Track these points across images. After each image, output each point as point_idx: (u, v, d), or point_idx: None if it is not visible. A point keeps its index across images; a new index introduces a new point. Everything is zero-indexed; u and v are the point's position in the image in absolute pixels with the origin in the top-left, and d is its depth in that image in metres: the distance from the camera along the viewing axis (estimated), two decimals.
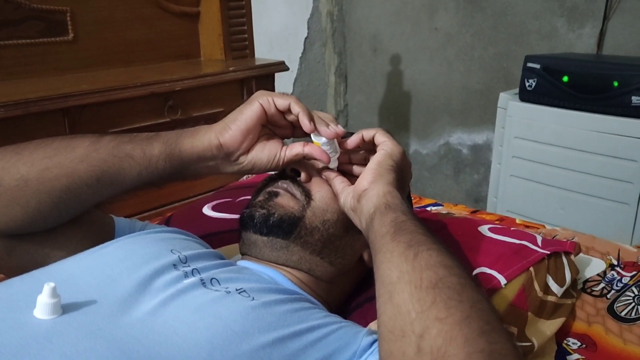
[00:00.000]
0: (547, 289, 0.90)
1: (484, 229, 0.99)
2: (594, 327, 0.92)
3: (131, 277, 0.63)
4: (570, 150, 1.85)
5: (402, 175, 0.72)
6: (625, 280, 1.02)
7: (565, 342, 0.89)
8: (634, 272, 1.04)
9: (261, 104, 0.72)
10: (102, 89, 1.26)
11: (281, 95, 0.73)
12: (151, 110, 1.37)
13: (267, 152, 0.74)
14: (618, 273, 1.05)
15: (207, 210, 1.11)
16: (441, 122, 2.71)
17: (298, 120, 0.72)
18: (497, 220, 1.27)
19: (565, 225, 1.93)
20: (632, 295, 0.98)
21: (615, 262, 1.08)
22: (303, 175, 0.77)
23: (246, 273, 0.72)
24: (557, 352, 0.87)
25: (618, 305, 0.96)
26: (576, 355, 0.86)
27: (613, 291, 1.00)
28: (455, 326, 0.48)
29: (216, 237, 1.02)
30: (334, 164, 0.76)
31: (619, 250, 1.12)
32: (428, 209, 1.33)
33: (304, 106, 0.72)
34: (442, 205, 1.36)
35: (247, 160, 0.75)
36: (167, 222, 1.09)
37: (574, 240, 1.16)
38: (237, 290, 0.65)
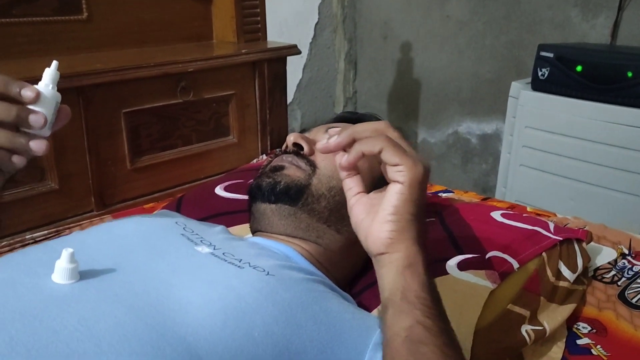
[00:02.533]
0: (559, 275, 0.90)
1: (497, 215, 1.00)
2: (604, 312, 0.92)
3: (144, 247, 0.65)
4: (582, 141, 1.84)
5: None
6: (636, 268, 1.02)
7: (575, 326, 0.89)
8: None
9: None
10: (116, 68, 1.26)
11: None
12: (164, 91, 1.37)
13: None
14: (629, 262, 1.05)
15: (219, 191, 1.11)
16: (450, 111, 2.70)
17: None
18: (508, 207, 1.27)
19: (574, 215, 1.93)
20: None
21: (627, 251, 1.08)
22: (306, 148, 0.78)
23: (258, 248, 0.72)
24: (567, 336, 0.87)
25: (629, 292, 0.96)
26: (586, 340, 0.86)
27: (624, 279, 1.00)
28: None
29: (228, 217, 1.02)
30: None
31: (630, 239, 1.11)
32: (439, 195, 1.33)
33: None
34: (453, 192, 1.36)
35: None
36: (179, 203, 1.09)
37: (585, 228, 1.16)
38: (250, 264, 0.65)
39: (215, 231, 0.77)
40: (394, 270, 0.55)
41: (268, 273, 0.64)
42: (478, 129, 2.62)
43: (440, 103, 2.73)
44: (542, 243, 0.91)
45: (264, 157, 1.59)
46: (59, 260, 0.55)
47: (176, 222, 0.73)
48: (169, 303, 0.55)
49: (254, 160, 1.57)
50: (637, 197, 1.76)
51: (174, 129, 1.42)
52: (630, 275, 1.00)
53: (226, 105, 1.52)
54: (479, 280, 0.81)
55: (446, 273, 0.83)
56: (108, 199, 1.32)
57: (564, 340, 0.86)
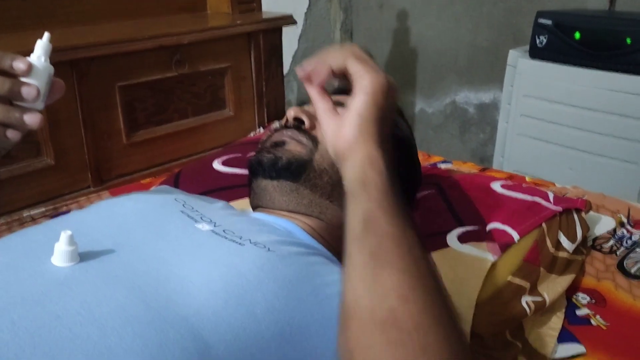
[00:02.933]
0: (558, 245, 0.90)
1: (496, 186, 0.99)
2: (603, 282, 0.92)
3: (143, 225, 0.64)
4: (580, 109, 1.83)
5: (386, 115, 0.59)
6: (635, 237, 1.03)
7: (574, 297, 0.90)
8: None
9: None
10: (111, 41, 1.24)
11: None
12: (159, 64, 1.35)
13: None
14: (628, 231, 1.05)
15: (217, 165, 1.10)
16: (448, 81, 2.67)
17: None
18: (506, 177, 1.27)
19: (572, 184, 1.93)
20: None
21: (625, 220, 1.08)
22: (307, 123, 0.77)
23: (259, 224, 0.72)
24: (567, 307, 0.88)
25: (627, 261, 0.96)
26: (585, 310, 0.87)
27: (623, 248, 1.01)
28: None
29: (227, 192, 1.02)
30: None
31: (629, 208, 1.12)
32: (437, 166, 1.32)
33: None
34: (451, 163, 1.36)
35: None
36: (177, 178, 1.09)
37: (584, 198, 1.16)
38: (251, 241, 0.65)
39: (216, 207, 0.77)
40: (356, 165, 0.55)
41: (269, 249, 0.64)
42: (475, 99, 2.60)
43: (437, 72, 2.70)
44: (542, 214, 0.91)
45: (261, 129, 1.58)
46: (57, 242, 0.54)
47: (175, 199, 0.72)
48: (171, 283, 0.55)
49: (251, 133, 1.56)
50: (636, 165, 1.76)
51: (170, 103, 1.41)
52: (629, 245, 1.01)
53: (222, 78, 1.50)
54: (480, 253, 0.81)
55: (447, 246, 0.83)
56: (105, 174, 1.31)
57: (564, 310, 0.86)
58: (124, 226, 0.63)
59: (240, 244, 0.64)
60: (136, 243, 0.61)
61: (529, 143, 1.99)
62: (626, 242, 1.02)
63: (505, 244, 0.83)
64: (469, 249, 0.82)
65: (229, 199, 1.00)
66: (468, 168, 1.32)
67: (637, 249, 0.99)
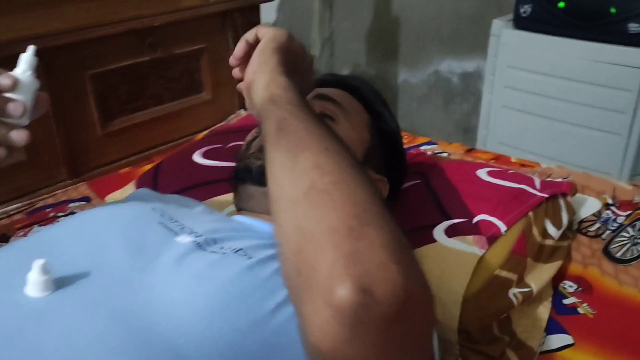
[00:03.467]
0: (545, 233, 0.89)
1: (482, 173, 0.97)
2: (589, 269, 0.92)
3: (120, 242, 0.61)
4: (564, 80, 1.81)
5: (291, 57, 0.66)
6: (620, 219, 1.02)
7: (561, 285, 0.89)
8: (629, 212, 1.04)
9: None
10: (78, 28, 1.18)
11: None
12: (130, 49, 1.30)
13: None
14: (613, 212, 1.04)
15: (197, 158, 1.07)
16: (431, 50, 2.63)
17: None
18: (492, 159, 1.25)
19: (556, 156, 1.93)
20: (628, 235, 0.98)
21: (611, 201, 1.07)
22: None
23: (243, 230, 0.69)
24: (554, 295, 0.87)
25: (613, 246, 0.96)
26: (572, 299, 0.86)
27: (608, 231, 1.00)
28: (324, 235, 0.46)
29: (209, 187, 0.99)
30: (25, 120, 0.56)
31: (614, 188, 1.10)
32: (422, 148, 1.30)
33: None
34: (437, 144, 1.33)
35: None
36: (156, 173, 1.05)
37: (568, 179, 1.15)
38: (233, 250, 0.62)
39: (196, 212, 0.74)
40: (261, 88, 0.60)
41: (250, 256, 0.61)
42: (459, 68, 2.57)
43: (420, 42, 2.66)
44: (528, 202, 0.90)
45: (242, 112, 1.54)
46: (31, 272, 0.51)
47: (152, 209, 0.69)
48: (152, 306, 0.53)
49: (231, 117, 1.52)
50: (619, 137, 1.76)
51: (144, 89, 1.36)
52: (614, 228, 1.00)
53: (197, 60, 1.45)
54: (467, 247, 0.80)
55: (434, 240, 0.81)
56: (81, 166, 1.28)
57: (550, 300, 0.85)
58: (100, 245, 0.61)
59: (222, 254, 0.61)
60: (114, 263, 0.58)
61: (513, 115, 1.97)
62: (612, 225, 1.01)
63: (492, 237, 0.82)
64: (455, 243, 0.80)
65: (212, 194, 0.98)
66: (454, 149, 1.30)
67: (623, 233, 0.98)
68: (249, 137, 0.80)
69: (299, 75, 0.66)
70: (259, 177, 0.72)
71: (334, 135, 0.55)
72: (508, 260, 0.81)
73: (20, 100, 0.54)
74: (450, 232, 0.82)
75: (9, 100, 0.54)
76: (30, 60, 0.56)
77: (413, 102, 2.80)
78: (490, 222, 0.84)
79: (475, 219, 0.85)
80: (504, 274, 0.80)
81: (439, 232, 0.83)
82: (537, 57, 1.85)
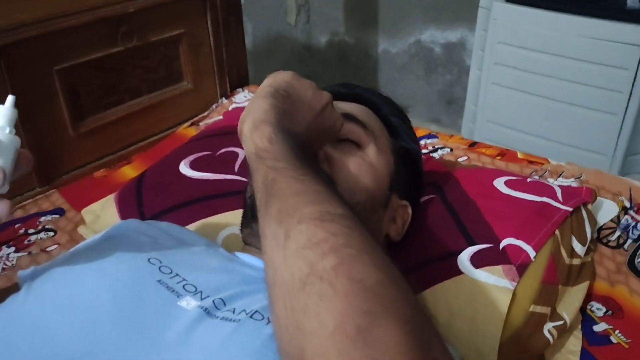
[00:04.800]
0: (572, 253, 0.83)
1: (500, 184, 0.90)
2: (617, 288, 0.87)
3: (116, 319, 0.53)
4: (558, 58, 1.74)
5: (292, 100, 0.58)
6: None
7: (589, 307, 0.84)
8: None
9: None
10: (43, 18, 1.04)
11: None
12: (102, 39, 1.17)
13: None
14: (632, 218, 0.99)
15: (185, 169, 0.96)
16: (412, 18, 2.52)
17: None
18: (497, 155, 1.18)
19: (548, 135, 1.87)
20: None
21: (628, 204, 1.02)
22: (320, 155, 0.66)
23: (253, 280, 0.61)
24: (582, 320, 0.81)
25: (639, 260, 0.90)
26: (603, 325, 0.81)
27: (630, 240, 0.95)
28: (328, 340, 0.37)
29: (201, 206, 0.89)
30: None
31: (630, 189, 1.05)
32: (422, 142, 1.22)
33: None
34: (437, 138, 1.26)
35: None
36: (139, 188, 0.95)
37: (581, 178, 1.09)
38: (248, 313, 0.54)
39: (199, 255, 0.64)
40: (247, 139, 0.53)
41: (269, 320, 0.53)
42: (442, 38, 2.48)
43: (401, 9, 2.54)
44: (553, 218, 0.83)
45: (224, 100, 1.43)
46: None
47: (149, 260, 0.60)
48: None
49: (214, 106, 1.40)
50: (614, 116, 1.71)
51: (119, 82, 1.23)
52: (636, 237, 0.95)
53: (176, 47, 1.32)
54: (498, 280, 0.73)
55: (460, 272, 0.74)
56: (52, 171, 1.16)
57: (580, 327, 0.80)
58: (92, 325, 0.51)
59: (235, 320, 0.53)
60: (110, 348, 0.49)
61: (503, 93, 1.90)
62: (633, 233, 0.96)
63: (522, 265, 0.75)
64: (484, 275, 0.73)
65: (204, 214, 0.88)
66: (456, 143, 1.23)
67: None
68: None
69: (304, 119, 0.58)
70: None
71: (332, 195, 0.46)
72: (540, 292, 0.74)
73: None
74: (477, 261, 0.75)
75: None
76: (8, 114, 0.47)
77: (394, 72, 2.71)
78: (517, 247, 0.78)
79: (502, 244, 0.78)
80: (538, 309, 0.73)
81: (464, 261, 0.76)
82: (529, 32, 1.77)
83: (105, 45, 1.18)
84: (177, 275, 0.58)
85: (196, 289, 0.57)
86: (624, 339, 0.78)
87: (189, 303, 0.55)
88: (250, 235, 0.68)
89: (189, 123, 1.34)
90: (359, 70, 2.81)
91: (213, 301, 0.55)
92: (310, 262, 0.39)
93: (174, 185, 0.93)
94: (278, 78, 0.59)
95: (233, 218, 0.87)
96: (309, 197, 0.45)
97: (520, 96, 1.86)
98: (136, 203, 0.93)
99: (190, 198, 0.90)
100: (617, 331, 0.80)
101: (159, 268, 0.59)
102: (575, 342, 0.77)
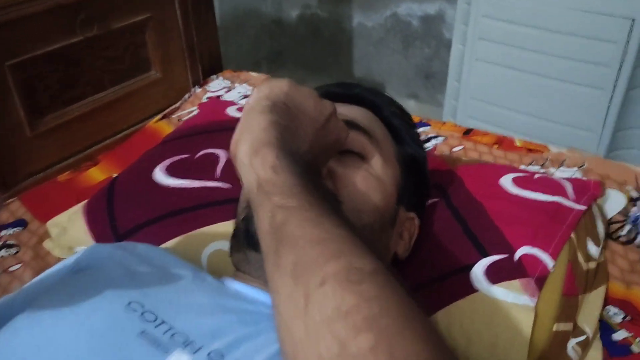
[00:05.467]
0: (588, 257, 0.77)
1: (507, 183, 0.83)
2: (633, 289, 0.81)
3: None
4: (545, 32, 1.67)
5: (293, 114, 0.50)
6: None
7: (605, 312, 0.78)
8: None
9: None
10: None
11: None
12: (59, 29, 1.05)
13: None
14: None
15: (160, 176, 0.87)
16: None
17: None
18: (494, 143, 1.11)
19: (534, 112, 1.81)
20: None
21: (636, 194, 0.96)
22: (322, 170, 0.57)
23: (250, 320, 0.53)
24: (600, 328, 0.76)
25: None
26: (623, 333, 0.75)
27: None
28: None
29: (181, 219, 0.80)
30: None
31: (636, 177, 0.99)
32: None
33: None
34: (429, 125, 1.18)
35: None
36: (110, 199, 0.85)
37: (584, 167, 1.03)
38: None
39: (184, 294, 0.56)
40: (244, 166, 0.45)
41: None
42: (419, 10, 2.39)
43: None
44: (567, 220, 0.77)
45: (197, 89, 1.32)
46: None
47: (129, 305, 0.51)
48: None
49: (186, 96, 1.30)
50: (602, 91, 1.65)
51: (80, 75, 1.12)
52: None
53: (141, 34, 1.21)
54: (517, 298, 0.66)
55: (474, 289, 0.67)
56: (9, 177, 1.05)
57: (599, 336, 0.74)
58: None
59: None
60: None
61: (488, 68, 1.82)
62: None
63: (541, 277, 0.69)
64: (502, 292, 0.67)
65: (184, 228, 0.80)
66: (449, 131, 1.15)
67: None
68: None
69: (307, 135, 0.51)
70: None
71: (356, 241, 0.38)
72: (562, 307, 0.68)
73: None
74: (492, 275, 0.69)
75: None
76: None
77: (369, 47, 2.61)
78: (534, 256, 0.71)
79: (517, 254, 0.71)
80: (562, 326, 0.67)
81: (478, 275, 0.69)
82: (514, 5, 1.70)
83: (62, 35, 1.06)
84: (163, 322, 0.50)
85: (187, 339, 0.49)
86: None
87: (179, 358, 0.47)
88: (243, 262, 0.60)
89: (160, 116, 1.23)
90: (333, 46, 2.71)
91: (209, 354, 0.47)
92: (341, 340, 0.32)
93: (149, 196, 0.84)
94: (274, 88, 0.51)
95: (217, 231, 0.78)
96: (330, 248, 0.36)
97: (505, 72, 1.79)
98: (108, 217, 0.83)
99: (167, 210, 0.81)
100: (638, 339, 0.74)
101: (142, 314, 0.50)
102: (595, 355, 0.71)
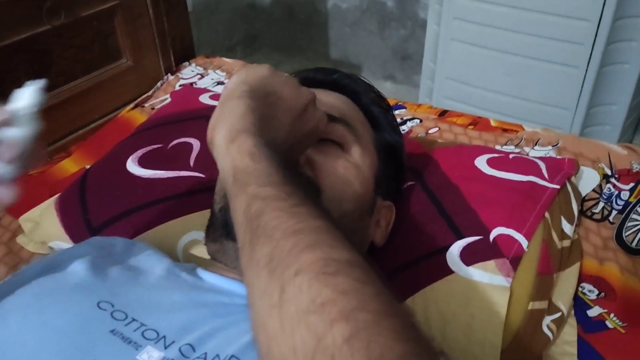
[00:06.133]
0: (562, 235, 0.78)
1: (482, 164, 0.84)
2: (606, 265, 0.82)
3: None
4: (518, 10, 1.68)
5: (271, 101, 0.49)
6: (624, 195, 0.92)
7: (580, 289, 0.79)
8: (632, 184, 0.94)
9: None
10: None
11: None
12: (25, 18, 1.02)
13: None
14: (615, 186, 0.94)
15: (133, 167, 0.85)
16: None
17: None
18: (469, 124, 1.12)
19: (509, 91, 1.82)
20: (639, 219, 0.88)
21: (609, 172, 0.97)
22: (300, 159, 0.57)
23: (223, 312, 0.52)
24: (575, 304, 0.77)
25: (627, 234, 0.86)
26: (597, 309, 0.77)
27: (615, 212, 0.90)
28: None
29: (156, 210, 0.79)
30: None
31: (609, 155, 1.00)
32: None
33: None
34: (405, 108, 1.18)
35: None
36: (83, 192, 0.83)
37: (558, 145, 1.04)
38: (220, 358, 0.46)
39: (156, 292, 0.55)
40: (221, 152, 0.44)
41: None
42: None
43: None
44: (542, 199, 0.78)
45: (170, 77, 1.30)
46: None
47: (99, 305, 0.50)
48: None
49: (159, 84, 1.28)
50: (576, 69, 1.67)
51: (49, 65, 1.09)
52: (620, 207, 0.90)
53: (110, 21, 1.18)
54: (492, 278, 0.67)
55: (450, 271, 0.68)
56: None
57: (573, 313, 0.75)
58: None
59: None
60: None
61: (464, 48, 1.83)
62: (617, 203, 0.91)
63: (516, 257, 0.69)
64: (477, 273, 0.67)
65: (158, 220, 0.79)
66: (425, 113, 1.15)
67: (633, 216, 0.89)
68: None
69: (284, 123, 0.50)
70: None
71: (334, 232, 0.37)
72: (537, 286, 0.69)
73: (12, 141, 0.44)
74: (467, 256, 0.69)
75: None
76: (35, 97, 0.46)
77: (345, 28, 2.59)
78: (509, 236, 0.72)
79: (492, 235, 0.72)
80: (537, 305, 0.68)
81: (453, 257, 0.69)
82: None
83: (28, 24, 1.03)
84: (134, 320, 0.50)
85: (158, 335, 0.48)
86: (620, 323, 0.74)
87: (151, 355, 0.46)
88: (219, 253, 0.59)
89: (132, 105, 1.21)
90: (308, 28, 2.69)
91: (180, 349, 0.47)
92: (317, 333, 0.31)
93: (123, 187, 0.83)
94: (253, 73, 0.50)
95: (192, 221, 0.78)
96: (306, 239, 0.35)
97: (480, 52, 1.79)
98: (81, 210, 0.82)
99: (142, 202, 0.80)
100: (612, 315, 0.75)
101: (112, 314, 0.50)
102: (570, 331, 0.73)
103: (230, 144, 0.43)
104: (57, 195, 0.88)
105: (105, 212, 0.80)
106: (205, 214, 0.71)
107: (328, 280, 0.33)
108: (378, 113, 0.72)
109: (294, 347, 0.31)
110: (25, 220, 0.90)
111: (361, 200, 0.61)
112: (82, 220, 0.81)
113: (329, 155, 0.60)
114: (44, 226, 0.86)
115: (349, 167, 0.61)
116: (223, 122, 0.45)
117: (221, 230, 0.58)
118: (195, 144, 0.88)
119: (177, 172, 0.84)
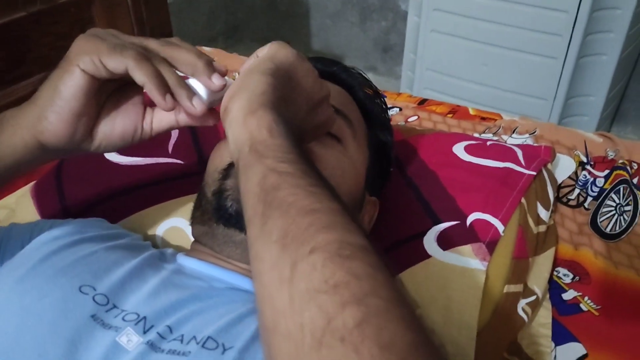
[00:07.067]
0: (538, 220, 0.80)
1: (460, 150, 0.85)
2: (581, 250, 0.83)
3: None
4: (497, 1, 1.70)
5: (292, 85, 0.49)
6: (599, 182, 0.94)
7: (555, 273, 0.81)
8: (606, 171, 0.96)
9: (84, 71, 0.49)
10: None
11: (114, 50, 0.48)
12: (1, 5, 1.01)
13: (121, 127, 0.54)
14: (590, 173, 0.96)
15: (110, 154, 0.85)
16: None
17: None
18: (449, 113, 1.13)
19: (488, 81, 1.84)
20: (613, 205, 0.90)
21: (585, 159, 0.99)
22: None
23: (202, 295, 0.53)
24: (550, 288, 0.78)
25: (602, 219, 0.88)
26: (572, 292, 0.78)
27: (590, 198, 0.92)
28: None
29: (134, 197, 0.79)
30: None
31: (585, 142, 1.02)
32: None
33: (151, 68, 0.47)
34: (385, 97, 1.18)
35: (93, 145, 0.54)
36: (59, 179, 0.83)
37: (535, 133, 1.05)
38: (199, 342, 0.47)
39: (138, 277, 0.55)
40: (237, 123, 0.43)
41: (225, 347, 0.46)
42: None
43: None
44: (518, 185, 0.79)
45: None
46: None
47: (80, 289, 0.50)
48: None
49: None
50: (554, 60, 1.69)
51: (26, 52, 1.08)
52: (595, 194, 0.92)
53: (88, 9, 1.17)
54: (468, 262, 0.68)
55: (427, 256, 0.69)
56: None
57: (548, 297, 0.77)
58: None
59: (184, 353, 0.46)
60: None
61: (443, 40, 1.84)
62: (592, 190, 0.93)
63: (492, 242, 0.71)
64: (454, 257, 0.68)
65: (137, 207, 0.78)
66: (404, 101, 1.16)
67: (608, 202, 0.91)
68: (220, 162, 0.60)
69: (300, 111, 0.49)
70: (237, 221, 0.56)
71: (349, 217, 0.36)
72: (512, 269, 0.70)
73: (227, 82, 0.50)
74: (444, 241, 0.70)
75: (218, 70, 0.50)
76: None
77: (326, 19, 2.59)
78: (485, 221, 0.73)
79: (469, 220, 0.73)
80: (512, 288, 0.69)
81: (430, 242, 0.70)
82: None
83: (4, 11, 1.02)
84: (115, 306, 0.50)
85: (138, 317, 0.49)
86: (594, 306, 0.76)
87: (130, 339, 0.46)
88: (206, 236, 0.59)
89: None
90: (289, 18, 2.68)
91: (157, 332, 0.47)
92: (328, 314, 0.30)
93: (100, 175, 0.82)
94: (280, 53, 0.49)
95: (171, 208, 0.78)
96: (324, 219, 0.35)
97: (460, 42, 1.81)
98: (57, 197, 0.81)
99: (119, 188, 0.80)
100: (586, 298, 0.77)
101: (93, 298, 0.50)
102: (545, 314, 0.74)
103: (249, 116, 0.42)
104: (33, 183, 0.87)
105: (82, 198, 0.79)
106: (183, 201, 0.71)
107: (343, 262, 0.32)
108: (373, 110, 0.72)
109: (302, 325, 0.31)
110: (0, 207, 0.89)
111: (354, 195, 0.62)
112: (59, 207, 0.80)
113: (327, 148, 0.60)
114: (19, 214, 0.85)
115: (346, 162, 0.61)
116: (244, 93, 0.44)
117: (212, 213, 0.58)
118: (174, 131, 0.87)
119: (155, 158, 0.83)
